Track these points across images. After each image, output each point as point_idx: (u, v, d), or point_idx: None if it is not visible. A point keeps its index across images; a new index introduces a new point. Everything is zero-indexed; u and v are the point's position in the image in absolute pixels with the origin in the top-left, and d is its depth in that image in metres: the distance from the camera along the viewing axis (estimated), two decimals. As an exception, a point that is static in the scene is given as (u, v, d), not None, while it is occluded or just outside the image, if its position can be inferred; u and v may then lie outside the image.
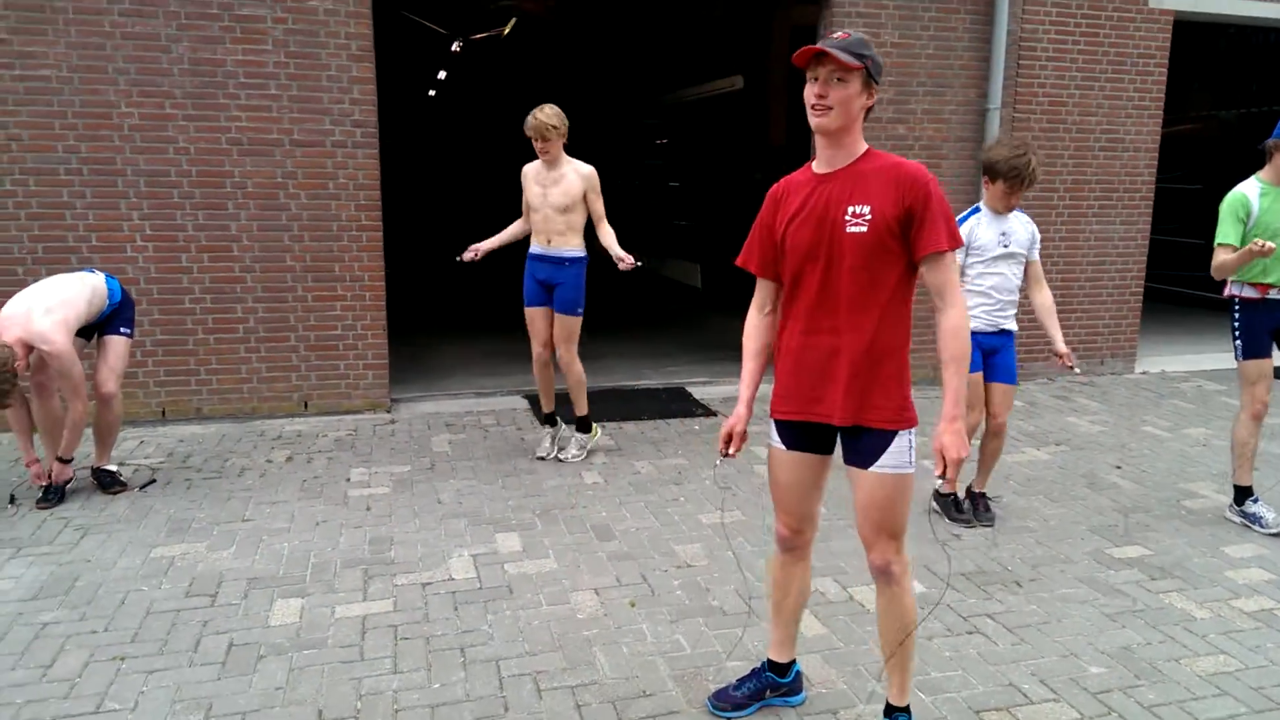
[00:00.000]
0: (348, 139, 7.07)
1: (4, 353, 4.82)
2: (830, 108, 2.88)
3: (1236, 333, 5.45)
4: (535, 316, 6.29)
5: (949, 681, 3.73)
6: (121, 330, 5.64)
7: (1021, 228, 5.17)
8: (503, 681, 3.69)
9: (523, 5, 14.34)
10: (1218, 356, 9.84)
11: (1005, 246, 5.09)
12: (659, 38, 16.68)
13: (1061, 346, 5.29)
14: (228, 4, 6.69)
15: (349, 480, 5.96)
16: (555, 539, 5.09)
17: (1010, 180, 4.96)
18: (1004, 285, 5.16)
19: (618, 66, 18.89)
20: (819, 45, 2.84)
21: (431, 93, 27.09)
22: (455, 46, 18.02)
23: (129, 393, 6.66)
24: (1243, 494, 5.50)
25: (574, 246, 6.13)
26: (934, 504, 5.51)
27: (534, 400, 7.88)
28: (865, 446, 3.03)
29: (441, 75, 23.38)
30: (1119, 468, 6.43)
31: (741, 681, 3.53)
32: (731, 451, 3.22)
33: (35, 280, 5.55)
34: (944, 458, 2.93)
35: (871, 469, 3.03)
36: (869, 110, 2.99)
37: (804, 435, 3.17)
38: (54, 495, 5.44)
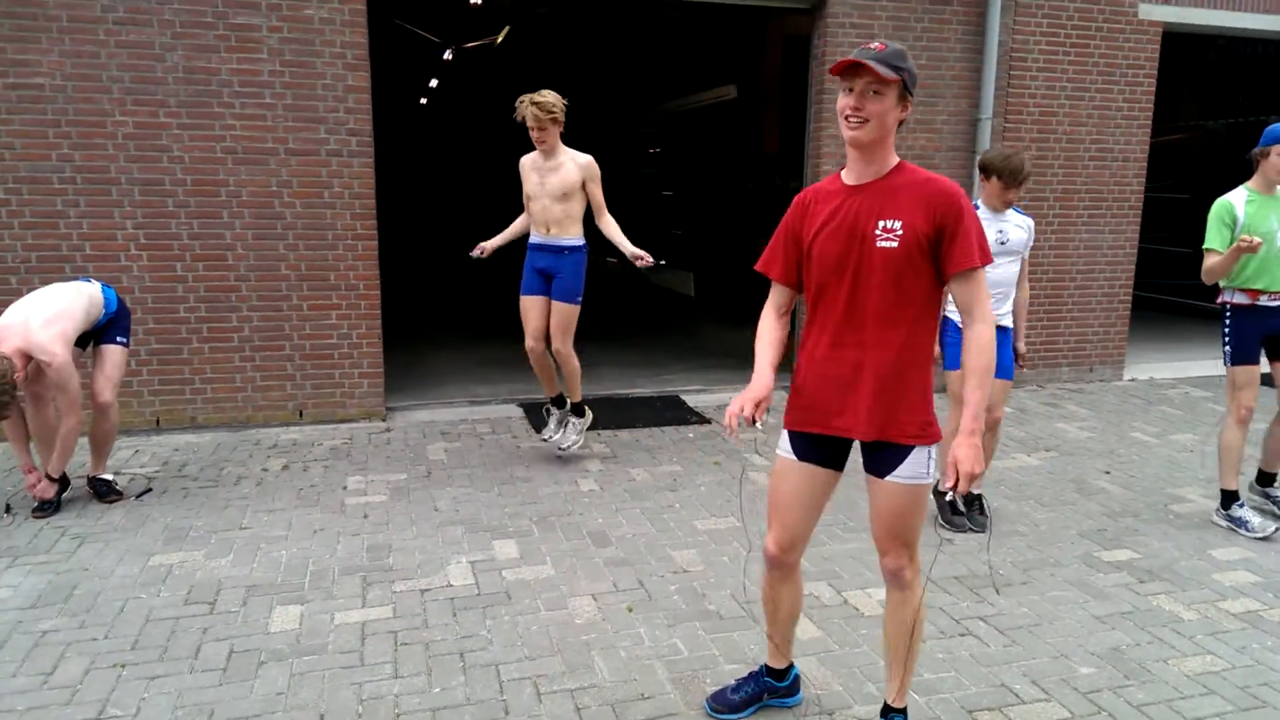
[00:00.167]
0: (343, 148, 7.10)
1: (4, 365, 4.83)
2: (866, 120, 2.84)
3: (1227, 338, 5.51)
4: (530, 306, 6.29)
5: (942, 683, 3.78)
6: (118, 339, 5.65)
7: (1017, 227, 5.24)
8: (503, 685, 3.72)
9: None
10: (1205, 363, 9.94)
11: (1002, 244, 5.15)
12: (652, 47, 16.75)
13: (1021, 346, 5.51)
14: (222, 13, 6.72)
15: (345, 488, 5.98)
16: (552, 546, 5.12)
17: (1005, 177, 5.05)
18: (999, 282, 5.21)
19: (611, 76, 18.95)
20: (856, 57, 2.80)
21: (423, 101, 27.11)
22: (447, 55, 18.05)
23: (124, 402, 6.66)
24: (1229, 498, 5.57)
25: (573, 235, 6.14)
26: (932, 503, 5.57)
27: (529, 409, 7.91)
28: (885, 457, 3.03)
29: (434, 83, 23.40)
30: (1108, 473, 6.49)
31: (740, 685, 3.56)
32: (759, 416, 3.02)
33: (29, 290, 5.56)
34: (958, 470, 2.88)
35: (889, 478, 3.03)
36: (902, 122, 2.95)
37: (818, 448, 3.14)
38: (50, 505, 5.45)
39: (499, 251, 6.59)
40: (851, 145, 2.92)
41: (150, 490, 5.87)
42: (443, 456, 6.65)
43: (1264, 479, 5.84)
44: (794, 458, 3.17)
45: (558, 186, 6.01)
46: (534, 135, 5.92)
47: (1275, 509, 5.75)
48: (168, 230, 6.86)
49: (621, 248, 6.11)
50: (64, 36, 6.47)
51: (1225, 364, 5.55)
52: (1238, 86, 14.19)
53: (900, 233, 2.87)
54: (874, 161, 2.95)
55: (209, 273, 6.99)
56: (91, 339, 5.61)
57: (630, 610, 4.38)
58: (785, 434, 3.20)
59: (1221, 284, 5.50)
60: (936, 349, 5.09)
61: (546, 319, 6.27)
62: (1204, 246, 5.37)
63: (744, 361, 9.79)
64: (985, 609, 4.43)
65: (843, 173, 3.05)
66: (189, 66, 6.72)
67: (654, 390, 8.70)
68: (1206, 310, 12.41)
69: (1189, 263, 12.95)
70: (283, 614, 4.29)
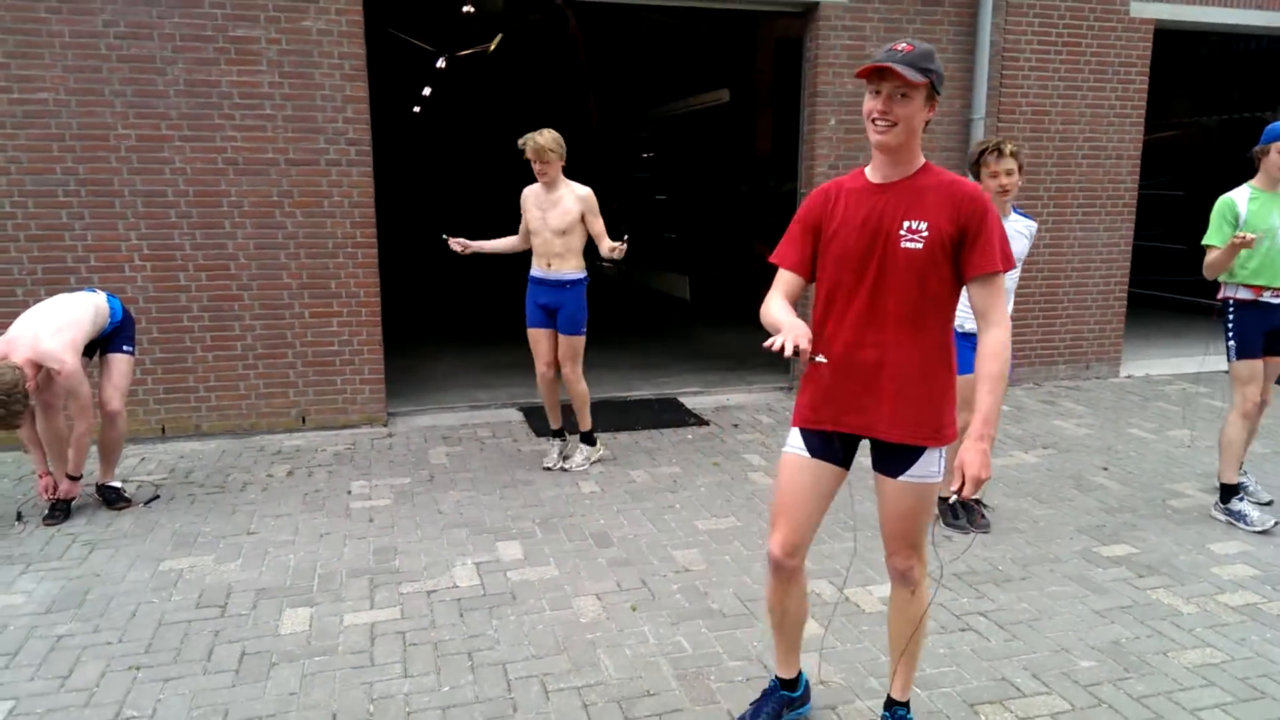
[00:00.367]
0: (342, 157, 7.16)
1: (15, 375, 4.90)
2: (894, 124, 2.82)
3: (1230, 334, 5.56)
4: (538, 338, 6.40)
5: (944, 677, 3.84)
6: (124, 348, 5.72)
7: (1019, 234, 5.22)
8: (510, 683, 3.78)
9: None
10: (1201, 360, 9.98)
11: None
12: (645, 53, 16.80)
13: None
14: (222, 26, 6.78)
15: (350, 493, 6.04)
16: (555, 547, 5.18)
17: (986, 154, 4.99)
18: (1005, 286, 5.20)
19: (604, 81, 19.01)
20: (883, 60, 2.77)
21: (416, 109, 27.19)
22: (440, 63, 18.12)
23: (130, 410, 6.68)
24: (1229, 492, 5.62)
25: (573, 269, 6.23)
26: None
27: (528, 412, 7.97)
28: (900, 457, 3.02)
29: (426, 91, 23.47)
30: (1106, 469, 6.54)
31: (758, 708, 3.47)
32: (819, 357, 2.94)
33: (35, 301, 5.62)
34: (964, 474, 2.84)
35: (902, 478, 3.03)
36: (928, 122, 2.93)
37: (829, 445, 3.10)
38: (60, 512, 5.51)
39: (500, 260, 6.65)
40: (879, 150, 2.91)
41: (158, 497, 5.93)
42: (445, 461, 6.70)
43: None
44: (806, 454, 3.12)
45: (558, 221, 6.11)
46: (536, 169, 6.06)
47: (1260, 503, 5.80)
48: (171, 241, 6.92)
49: (605, 254, 6.18)
50: (66, 52, 6.53)
51: (1229, 359, 5.60)
52: (1231, 83, 14.24)
53: (925, 234, 2.87)
54: (900, 162, 2.94)
55: (212, 282, 7.05)
56: (98, 348, 5.68)
57: (634, 609, 4.43)
58: (795, 431, 3.16)
59: (1224, 280, 5.56)
60: None
61: (555, 348, 6.38)
62: (1204, 242, 5.46)
63: (740, 364, 9.88)
64: (985, 604, 4.49)
65: (867, 170, 3.04)
66: (190, 79, 6.78)
67: (652, 393, 8.76)
68: (1202, 306, 12.49)
69: (1184, 259, 13.03)
70: (292, 616, 4.35)
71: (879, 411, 2.98)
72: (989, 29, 8.33)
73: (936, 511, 5.58)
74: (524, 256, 6.53)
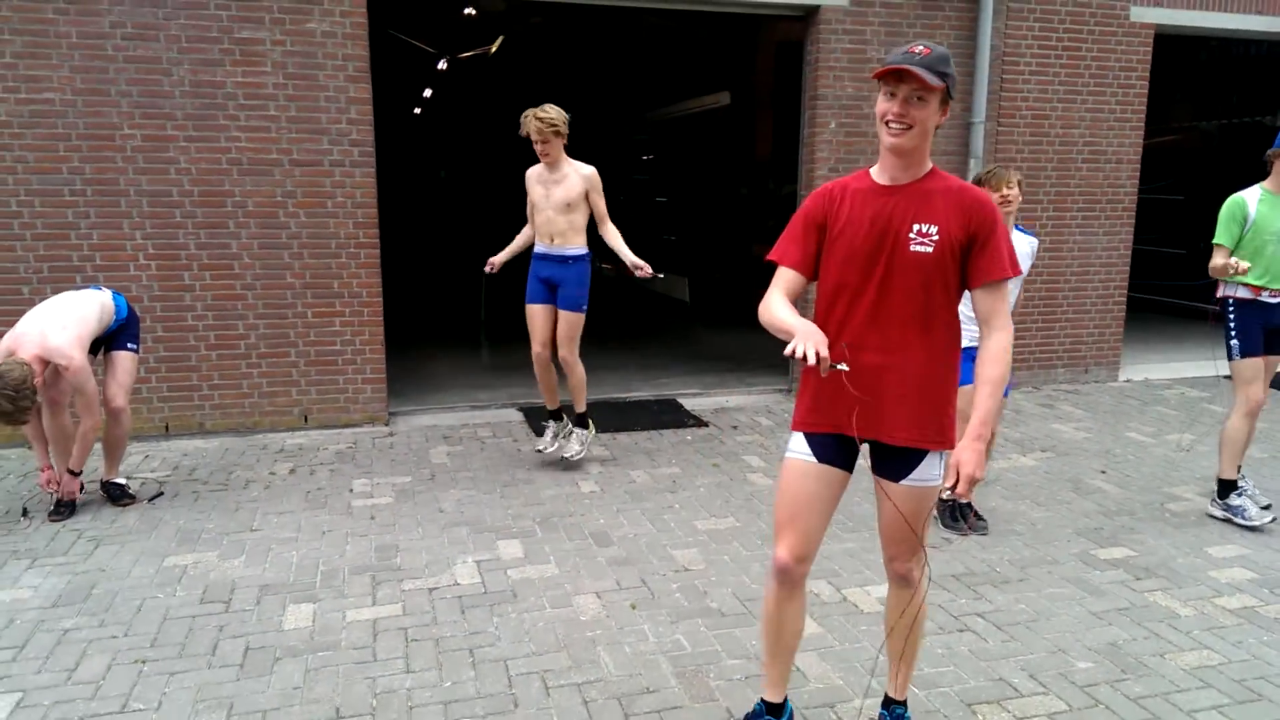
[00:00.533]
0: (345, 158, 7.20)
1: (24, 370, 4.93)
2: (909, 127, 2.80)
3: (1232, 333, 5.59)
4: (536, 314, 6.38)
5: (942, 677, 3.87)
6: (128, 346, 5.75)
7: (1022, 248, 5.26)
8: (511, 680, 3.82)
9: None
10: (1200, 364, 10.02)
11: None
12: (645, 56, 16.83)
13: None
14: (227, 27, 6.82)
15: (352, 491, 6.07)
16: (555, 545, 5.21)
17: (989, 182, 5.07)
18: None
19: (605, 84, 19.05)
20: (900, 63, 2.75)
21: (418, 110, 27.22)
22: (441, 65, 18.16)
23: (134, 408, 6.73)
24: (1227, 487, 5.67)
25: (577, 245, 6.24)
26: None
27: (529, 413, 8.00)
28: (902, 461, 3.01)
29: (429, 93, 23.51)
30: (1104, 472, 6.58)
31: None
32: (841, 363, 2.82)
33: (42, 299, 5.65)
34: (959, 473, 2.84)
35: (903, 482, 3.02)
36: (938, 125, 2.91)
37: (834, 449, 3.06)
38: (66, 509, 5.55)
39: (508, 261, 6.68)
40: (893, 152, 2.87)
41: (162, 494, 5.97)
42: (445, 460, 6.74)
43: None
44: (813, 459, 3.06)
45: (562, 198, 6.12)
46: (538, 148, 6.04)
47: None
48: (175, 240, 6.96)
49: (623, 256, 6.23)
50: (73, 53, 6.57)
51: (1231, 358, 5.62)
52: (1231, 87, 14.27)
53: (936, 238, 2.85)
54: (911, 166, 2.91)
55: (216, 282, 7.09)
56: (102, 345, 5.72)
57: (634, 607, 4.47)
58: (798, 435, 3.10)
59: (1223, 279, 5.61)
60: None
61: (552, 326, 6.37)
62: (1214, 241, 5.54)
63: (739, 365, 9.91)
64: (983, 605, 4.52)
65: (872, 171, 3.01)
66: (195, 80, 6.82)
67: (651, 394, 8.80)
68: (1201, 311, 12.51)
69: (1184, 264, 13.06)
70: (296, 612, 4.39)
71: (882, 415, 2.96)
72: (989, 33, 8.37)
73: (935, 514, 5.61)
74: (523, 258, 6.56)
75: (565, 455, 6.55)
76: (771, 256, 3.10)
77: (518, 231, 6.63)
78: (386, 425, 7.64)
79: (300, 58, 7.00)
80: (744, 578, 4.80)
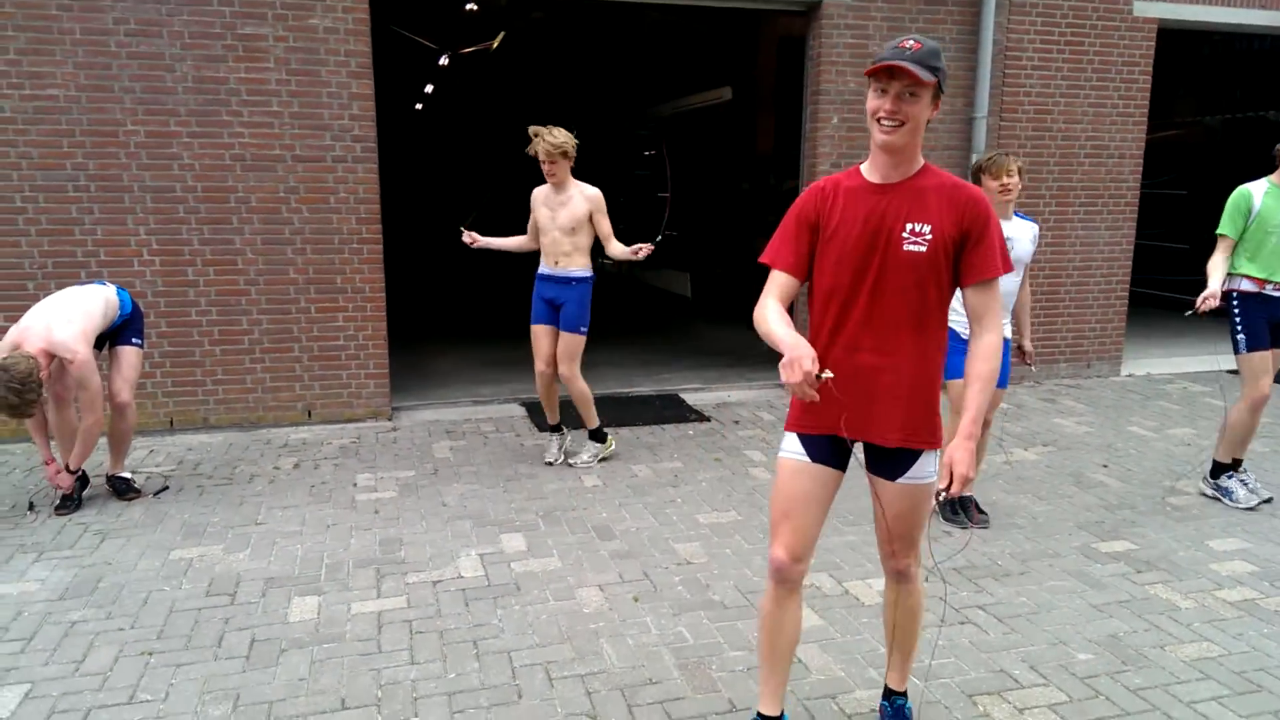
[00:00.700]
0: (348, 154, 7.22)
1: (30, 363, 4.96)
2: (902, 123, 2.76)
3: (1238, 327, 5.61)
4: (539, 334, 6.44)
5: (943, 668, 3.89)
6: (133, 341, 5.78)
7: (1024, 234, 5.24)
8: (515, 671, 3.84)
9: None
10: (1202, 359, 10.03)
11: (1010, 251, 5.11)
12: (646, 51, 16.82)
13: (1027, 344, 5.56)
14: (230, 23, 6.84)
15: (356, 485, 6.10)
16: (558, 539, 5.23)
17: (986, 169, 5.09)
18: (1003, 289, 5.16)
19: (606, 79, 19.04)
20: (891, 59, 2.70)
21: (419, 106, 27.22)
22: (443, 61, 18.14)
23: (138, 403, 6.75)
24: (1219, 469, 5.74)
25: (580, 267, 6.30)
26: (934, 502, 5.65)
27: (531, 407, 8.02)
28: (898, 460, 3.00)
29: (430, 89, 23.50)
30: (1105, 466, 6.59)
31: None
32: (827, 373, 2.75)
33: (46, 295, 5.68)
34: (952, 472, 2.83)
35: (899, 481, 3.01)
36: (929, 121, 2.87)
37: (828, 449, 3.03)
38: (72, 503, 5.58)
39: (505, 259, 6.69)
40: (883, 149, 2.84)
41: (167, 488, 6.00)
42: (449, 454, 6.76)
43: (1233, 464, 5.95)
44: (806, 459, 3.03)
45: (567, 220, 6.18)
46: (545, 169, 6.11)
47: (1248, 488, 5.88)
48: (179, 236, 6.98)
49: (621, 256, 6.23)
50: (77, 49, 6.59)
51: (1238, 352, 5.65)
52: (1234, 82, 14.27)
53: (929, 237, 2.82)
54: (903, 163, 2.88)
55: (219, 277, 7.11)
56: (107, 340, 5.74)
57: (636, 600, 4.49)
58: (792, 436, 3.07)
59: (1229, 270, 5.63)
60: None
61: (555, 345, 6.42)
62: (1217, 231, 5.58)
63: (741, 360, 9.93)
64: (985, 598, 4.54)
65: (863, 168, 2.97)
66: (198, 76, 6.84)
67: (653, 389, 8.82)
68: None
69: (1186, 259, 13.05)
70: (301, 604, 4.42)
71: (876, 415, 2.95)
72: (992, 27, 8.38)
73: (935, 507, 5.63)
74: (531, 257, 6.58)
75: (572, 464, 6.56)
76: (765, 259, 3.05)
77: (517, 233, 6.63)
78: (390, 420, 7.66)
79: (303, 54, 7.01)
80: (746, 571, 4.83)
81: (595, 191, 6.24)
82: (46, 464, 5.62)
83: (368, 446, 6.94)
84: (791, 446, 3.07)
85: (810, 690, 3.71)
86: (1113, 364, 9.55)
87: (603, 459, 6.66)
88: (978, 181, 5.16)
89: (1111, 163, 9.13)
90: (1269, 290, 5.54)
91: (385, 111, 8.91)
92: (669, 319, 13.37)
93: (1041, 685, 3.76)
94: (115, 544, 5.11)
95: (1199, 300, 5.36)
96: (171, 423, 7.20)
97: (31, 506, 5.64)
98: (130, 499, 5.77)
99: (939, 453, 3.04)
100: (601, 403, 7.91)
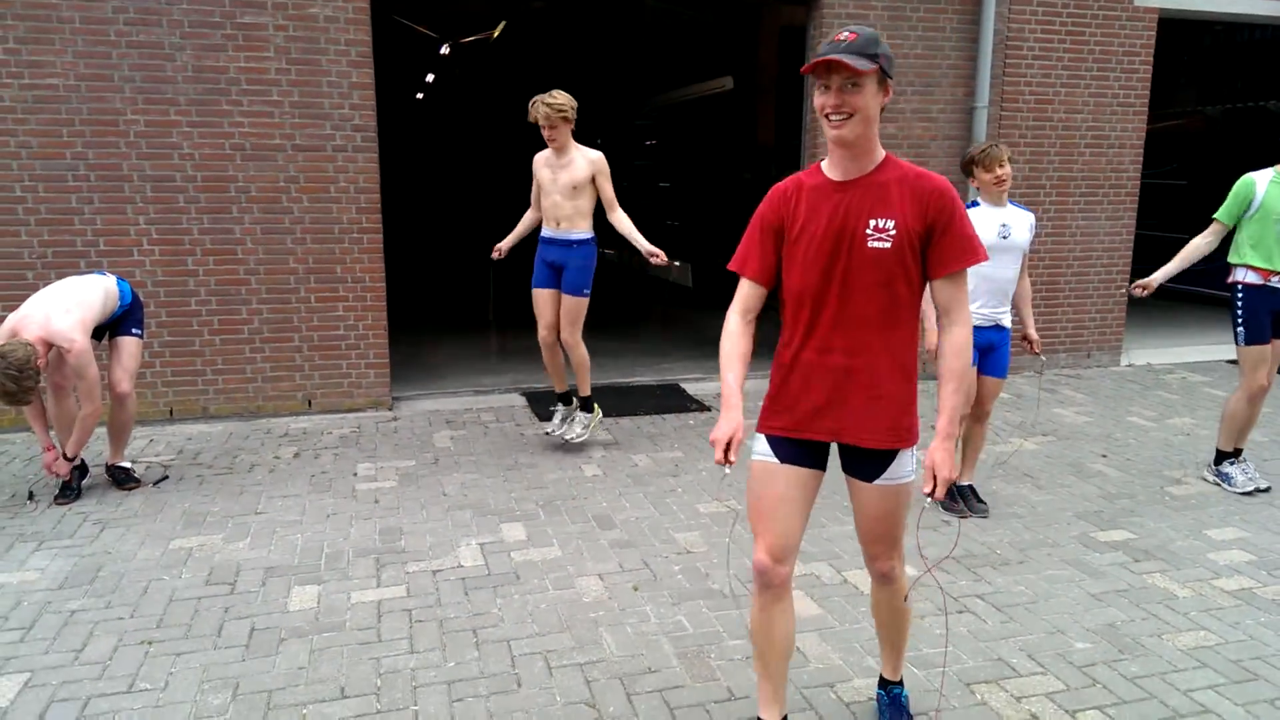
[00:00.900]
0: (348, 143, 7.21)
1: (27, 350, 4.97)
2: (850, 115, 2.72)
3: (1240, 318, 5.63)
4: (542, 298, 6.42)
5: (941, 657, 3.89)
6: (133, 331, 5.78)
7: (1020, 221, 5.21)
8: (514, 660, 3.85)
9: None
10: (1202, 349, 10.04)
11: (1005, 238, 5.11)
12: (648, 40, 16.81)
13: (1032, 334, 5.55)
14: (230, 12, 6.83)
15: (356, 475, 6.11)
16: (558, 528, 5.24)
17: (979, 161, 5.09)
18: (1001, 277, 5.17)
19: (607, 68, 19.02)
20: (825, 54, 2.67)
21: (420, 95, 27.21)
22: (444, 50, 18.14)
23: (138, 393, 6.80)
24: (1221, 456, 5.77)
25: (582, 229, 6.27)
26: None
27: (531, 397, 8.03)
28: (874, 461, 2.95)
29: (431, 78, 23.49)
30: (1105, 456, 6.60)
31: None
32: (732, 458, 2.84)
33: (45, 284, 5.68)
34: (934, 475, 2.82)
35: (877, 482, 2.96)
36: (883, 108, 2.81)
37: (800, 450, 2.98)
38: (71, 492, 5.59)
39: (514, 251, 6.69)
40: (837, 144, 2.79)
41: (167, 478, 6.01)
42: (449, 444, 6.77)
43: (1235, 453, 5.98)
44: (776, 461, 2.98)
45: (568, 182, 6.14)
46: (546, 134, 6.07)
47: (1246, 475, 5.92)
48: (179, 225, 6.98)
49: (636, 244, 6.23)
50: (76, 38, 6.58)
51: (1238, 343, 5.67)
52: (1235, 72, 14.25)
53: (893, 232, 2.77)
54: (860, 156, 2.82)
55: (219, 267, 7.12)
56: (107, 331, 5.74)
57: (636, 589, 4.50)
58: (761, 438, 3.03)
59: (1233, 262, 5.65)
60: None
61: (558, 310, 6.40)
62: (1214, 215, 5.66)
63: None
64: (983, 587, 4.55)
65: (824, 165, 2.93)
66: (198, 65, 6.83)
67: (654, 379, 8.82)
68: (1203, 296, 12.52)
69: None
70: (301, 593, 4.43)
71: (849, 417, 2.90)
72: (992, 17, 8.36)
73: (929, 504, 5.62)
74: (529, 243, 6.58)
75: (567, 438, 6.58)
76: (732, 266, 3.04)
77: (520, 217, 6.65)
78: (390, 410, 7.67)
79: (303, 43, 7.00)
80: (745, 560, 4.84)
81: (598, 154, 6.20)
82: (45, 451, 5.63)
83: (368, 436, 6.95)
84: (761, 449, 3.03)
85: (809, 679, 3.72)
86: (1113, 354, 9.55)
87: (592, 426, 6.68)
88: (970, 174, 5.16)
89: (1112, 152, 9.12)
90: (1274, 282, 5.54)
91: (386, 101, 8.90)
92: (671, 309, 13.36)
93: (1039, 674, 3.77)
94: (115, 533, 5.12)
95: (1133, 286, 5.63)
96: (171, 412, 7.21)
97: (31, 496, 5.65)
98: (130, 489, 5.78)
99: (916, 451, 3.01)
100: (602, 392, 7.94)
